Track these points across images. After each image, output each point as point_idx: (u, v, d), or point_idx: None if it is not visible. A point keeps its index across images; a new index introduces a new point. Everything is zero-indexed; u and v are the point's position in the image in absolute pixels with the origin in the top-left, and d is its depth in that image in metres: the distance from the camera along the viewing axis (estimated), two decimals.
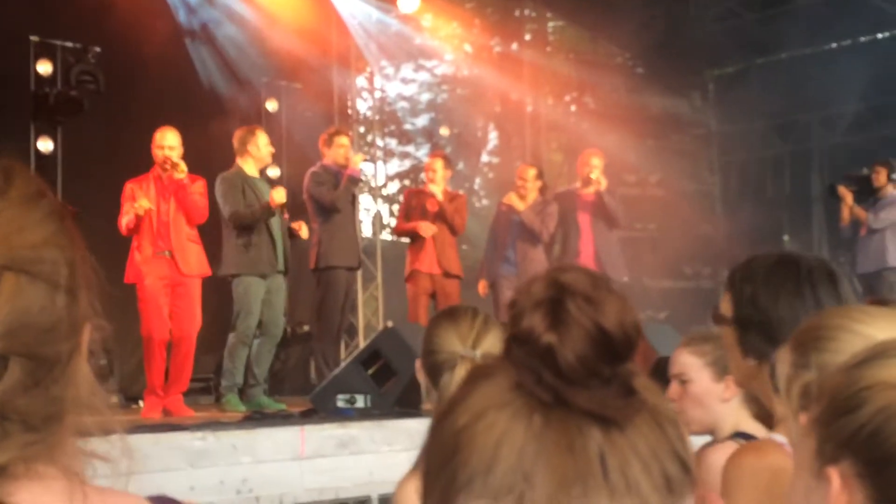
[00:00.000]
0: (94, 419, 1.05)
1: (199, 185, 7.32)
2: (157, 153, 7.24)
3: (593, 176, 9.13)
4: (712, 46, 13.15)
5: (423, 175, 9.26)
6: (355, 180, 8.38)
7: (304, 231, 7.88)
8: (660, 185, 13.39)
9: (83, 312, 1.02)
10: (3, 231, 0.96)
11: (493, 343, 2.47)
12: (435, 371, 2.47)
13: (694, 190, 13.62)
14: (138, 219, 7.01)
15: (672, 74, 13.37)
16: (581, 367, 0.73)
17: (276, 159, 10.70)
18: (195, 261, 7.21)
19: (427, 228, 8.75)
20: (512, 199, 9.18)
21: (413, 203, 8.98)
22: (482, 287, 9.19)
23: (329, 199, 8.17)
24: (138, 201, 7.00)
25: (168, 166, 7.13)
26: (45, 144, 9.07)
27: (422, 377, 2.56)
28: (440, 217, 8.88)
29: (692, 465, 0.77)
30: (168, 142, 7.25)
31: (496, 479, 0.74)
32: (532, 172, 9.36)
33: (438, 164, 9.05)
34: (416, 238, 8.90)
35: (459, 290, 8.99)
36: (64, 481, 0.99)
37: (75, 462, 1.02)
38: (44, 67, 9.26)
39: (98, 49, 9.40)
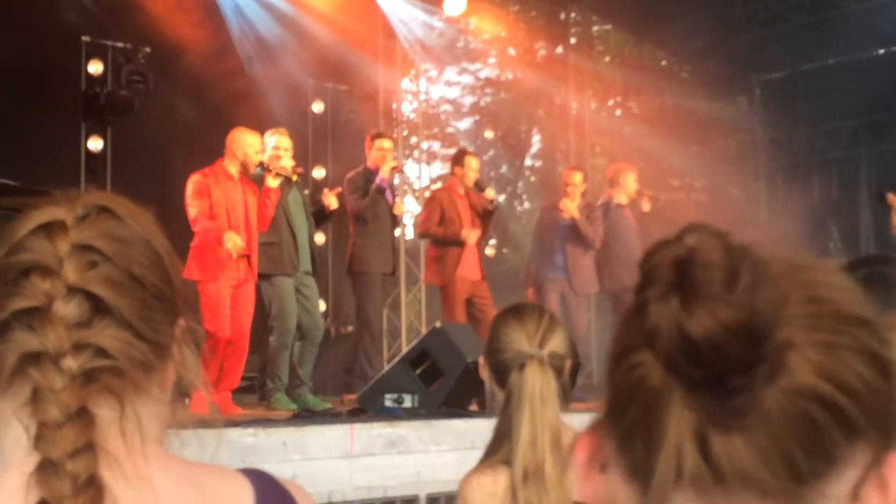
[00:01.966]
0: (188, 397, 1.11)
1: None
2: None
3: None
4: (759, 51, 13.06)
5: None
6: (382, 189, 8.36)
7: (332, 201, 7.89)
8: (704, 191, 13.31)
9: (178, 301, 1.12)
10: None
11: (559, 342, 2.46)
12: (500, 369, 2.46)
13: (739, 196, 13.53)
14: (214, 221, 6.99)
15: (718, 79, 13.29)
16: (673, 368, 0.69)
17: (321, 160, 10.79)
18: (257, 262, 7.29)
19: (472, 235, 8.70)
20: (568, 206, 9.16)
21: (444, 204, 8.86)
22: (531, 294, 9.14)
23: (356, 208, 8.23)
24: (231, 242, 6.95)
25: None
26: (95, 143, 9.17)
27: (485, 375, 2.55)
28: (481, 219, 8.87)
29: None
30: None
31: (622, 430, 0.71)
32: (579, 177, 9.37)
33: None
34: (445, 246, 8.81)
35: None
36: (139, 449, 1.03)
37: (158, 434, 1.07)
38: (95, 67, 9.37)
39: (148, 49, 9.50)
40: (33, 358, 1.01)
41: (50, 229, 1.06)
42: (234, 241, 6.95)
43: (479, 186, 8.79)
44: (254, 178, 7.28)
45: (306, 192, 7.89)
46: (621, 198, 9.44)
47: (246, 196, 7.16)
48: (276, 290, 7.45)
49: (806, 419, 0.68)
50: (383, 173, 8.29)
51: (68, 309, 1.03)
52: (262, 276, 7.43)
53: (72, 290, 1.04)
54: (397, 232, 11.67)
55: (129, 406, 1.04)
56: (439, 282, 8.85)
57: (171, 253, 1.13)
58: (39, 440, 0.98)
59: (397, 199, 8.81)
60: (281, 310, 7.43)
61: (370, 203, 8.23)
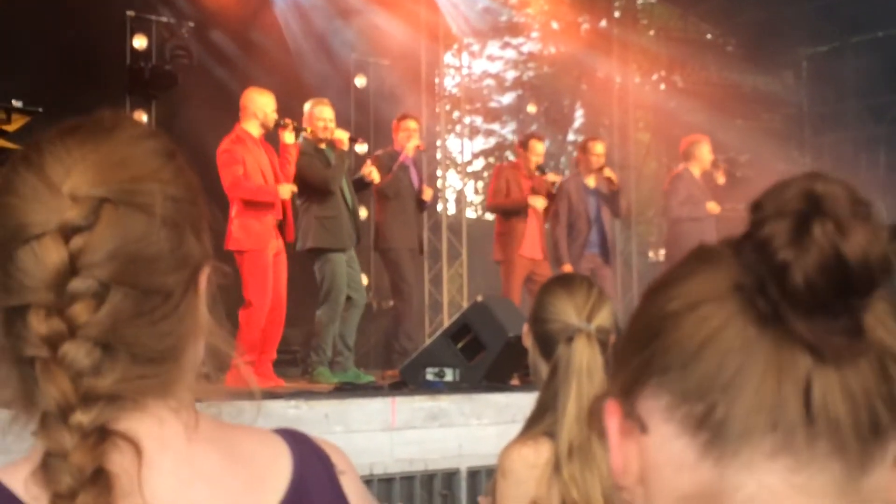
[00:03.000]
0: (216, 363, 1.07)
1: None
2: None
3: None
4: (806, 24, 12.86)
5: (507, 152, 9.18)
6: (405, 167, 8.47)
7: (374, 174, 7.95)
8: (749, 165, 13.17)
9: (195, 251, 1.04)
10: (106, 165, 1.00)
11: (606, 316, 2.44)
12: (546, 339, 2.44)
13: (784, 171, 13.35)
14: (261, 188, 7.01)
15: (764, 52, 13.12)
16: (809, 295, 0.69)
17: (364, 135, 10.78)
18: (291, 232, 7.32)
19: (538, 201, 8.74)
20: (610, 174, 9.15)
21: (510, 179, 8.93)
22: (568, 270, 9.05)
23: (380, 185, 8.29)
24: (287, 191, 7.05)
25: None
26: (139, 118, 9.24)
27: (529, 343, 2.53)
28: (547, 198, 8.93)
29: None
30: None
31: (692, 380, 0.71)
32: (601, 147, 9.33)
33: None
34: (512, 220, 8.84)
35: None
36: (174, 414, 1.01)
37: (190, 399, 1.03)
38: (139, 42, 9.43)
39: (191, 24, 9.54)
40: (41, 418, 0.95)
41: (47, 251, 0.97)
42: (289, 189, 7.05)
43: (542, 170, 8.86)
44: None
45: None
46: (695, 170, 9.34)
47: (270, 157, 7.18)
48: (331, 265, 7.47)
49: (886, 373, 0.70)
50: (407, 151, 8.36)
51: (77, 356, 0.95)
52: (318, 250, 7.46)
53: (79, 335, 0.96)
54: (439, 207, 11.71)
55: (154, 412, 1.01)
56: (502, 257, 8.93)
57: (188, 198, 1.05)
58: None
59: (427, 187, 8.83)
60: (334, 284, 7.46)
61: (392, 180, 8.29)
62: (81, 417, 0.94)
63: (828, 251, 0.68)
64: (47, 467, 0.93)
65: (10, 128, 6.05)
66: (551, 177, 8.94)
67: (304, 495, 1.05)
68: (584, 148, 9.39)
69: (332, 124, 7.53)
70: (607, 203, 9.20)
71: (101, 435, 0.95)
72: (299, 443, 1.09)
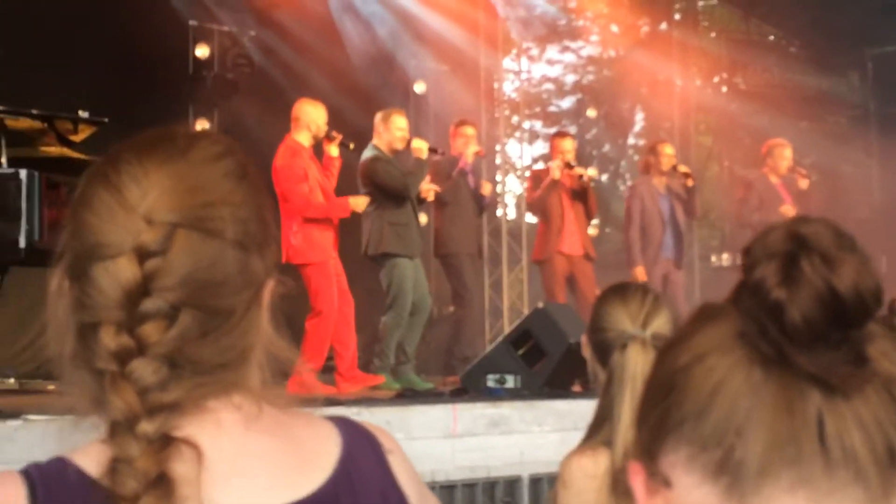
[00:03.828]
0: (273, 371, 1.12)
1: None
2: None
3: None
4: (872, 23, 12.63)
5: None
6: (465, 173, 8.46)
7: (430, 193, 7.95)
8: (814, 168, 12.97)
9: (260, 269, 1.08)
10: (180, 190, 1.04)
11: (662, 323, 2.43)
12: (602, 349, 2.45)
13: (850, 173, 13.16)
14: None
15: (828, 53, 12.92)
16: (807, 329, 0.71)
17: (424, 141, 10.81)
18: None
19: (556, 170, 8.68)
20: (685, 170, 9.11)
21: (544, 178, 8.89)
22: (641, 273, 8.95)
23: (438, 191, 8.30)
24: (360, 204, 7.17)
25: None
26: (202, 126, 9.35)
27: (587, 353, 2.54)
28: (580, 197, 8.85)
29: None
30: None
31: (707, 427, 0.72)
32: (671, 149, 9.28)
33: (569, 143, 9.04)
34: (550, 217, 8.80)
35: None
36: (237, 412, 1.06)
37: (252, 394, 1.08)
38: (201, 51, 9.55)
39: (253, 32, 9.64)
40: (110, 426, 1.00)
41: (122, 272, 1.01)
42: (364, 202, 7.18)
43: (570, 165, 8.78)
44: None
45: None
46: (772, 174, 9.26)
47: (318, 168, 7.25)
48: (399, 271, 7.50)
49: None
50: (467, 157, 8.37)
51: (144, 373, 1.00)
52: (388, 255, 7.50)
53: (148, 353, 1.00)
54: (499, 212, 11.70)
55: (214, 411, 1.05)
56: (540, 256, 8.90)
57: (256, 217, 1.09)
58: None
59: (485, 182, 8.84)
60: (401, 290, 7.49)
61: (451, 186, 8.29)
62: (147, 427, 0.99)
63: (819, 285, 0.71)
64: (114, 471, 0.97)
65: (77, 138, 6.15)
66: (578, 170, 8.83)
67: (353, 471, 1.10)
68: (653, 150, 9.34)
69: (406, 134, 7.61)
70: (681, 204, 9.15)
71: (165, 442, 0.99)
72: (348, 426, 1.15)
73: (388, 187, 7.47)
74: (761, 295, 0.72)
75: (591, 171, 8.96)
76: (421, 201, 8.02)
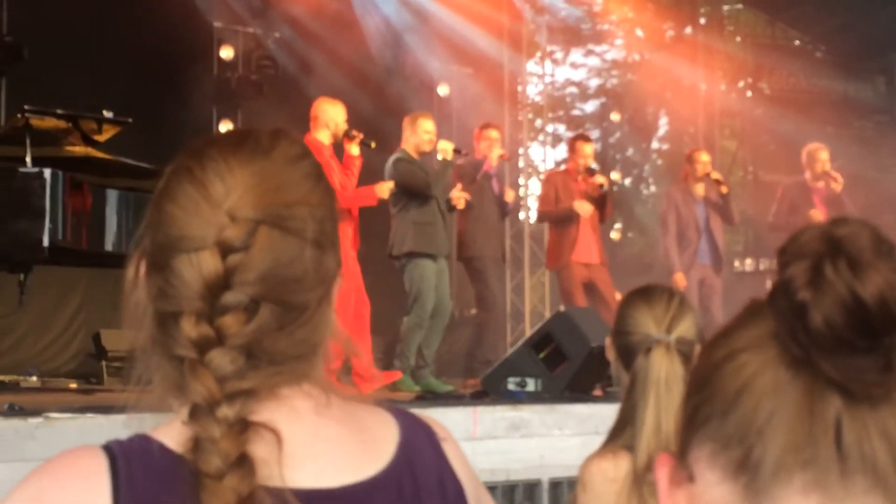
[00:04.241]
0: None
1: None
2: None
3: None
4: None
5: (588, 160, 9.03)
6: (489, 176, 8.43)
7: (461, 201, 7.93)
8: (840, 174, 12.89)
9: (332, 267, 1.13)
10: (263, 189, 1.09)
11: (688, 327, 2.41)
12: (626, 352, 2.43)
13: (877, 179, 13.06)
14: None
15: (855, 58, 12.85)
16: (830, 334, 0.69)
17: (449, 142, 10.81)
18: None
19: (584, 207, 8.62)
20: (718, 176, 9.10)
21: (559, 185, 8.84)
22: (681, 279, 8.92)
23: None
24: (385, 190, 7.20)
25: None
26: (226, 127, 9.39)
27: (611, 356, 2.52)
28: (596, 202, 8.78)
29: None
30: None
31: (730, 426, 0.72)
32: (707, 156, 9.29)
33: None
34: (565, 225, 8.74)
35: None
36: (309, 400, 1.11)
37: (322, 383, 1.13)
38: (226, 52, 9.59)
39: (277, 34, 9.67)
40: (191, 409, 1.04)
41: (205, 265, 1.05)
42: (388, 188, 7.24)
43: (590, 172, 8.72)
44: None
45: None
46: (810, 180, 9.28)
47: (338, 167, 7.26)
48: (420, 271, 7.52)
49: None
50: (491, 160, 8.36)
51: (222, 362, 1.04)
52: (411, 254, 7.52)
53: (227, 344, 1.04)
54: (522, 216, 11.69)
55: (288, 398, 1.09)
56: (555, 265, 8.86)
57: (330, 216, 1.14)
58: (204, 492, 1.01)
59: (508, 188, 8.82)
60: (421, 291, 7.51)
61: (475, 189, 8.28)
62: (227, 411, 1.03)
63: (842, 291, 0.69)
64: (199, 449, 1.01)
65: (101, 138, 6.18)
66: (599, 178, 8.77)
67: (412, 455, 1.16)
68: (689, 158, 9.38)
69: (433, 136, 7.65)
70: (717, 211, 9.15)
71: (244, 425, 1.03)
72: (404, 415, 1.21)
73: (411, 186, 7.50)
74: (789, 295, 0.71)
75: (600, 178, 8.82)
76: (451, 208, 8.00)
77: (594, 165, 8.84)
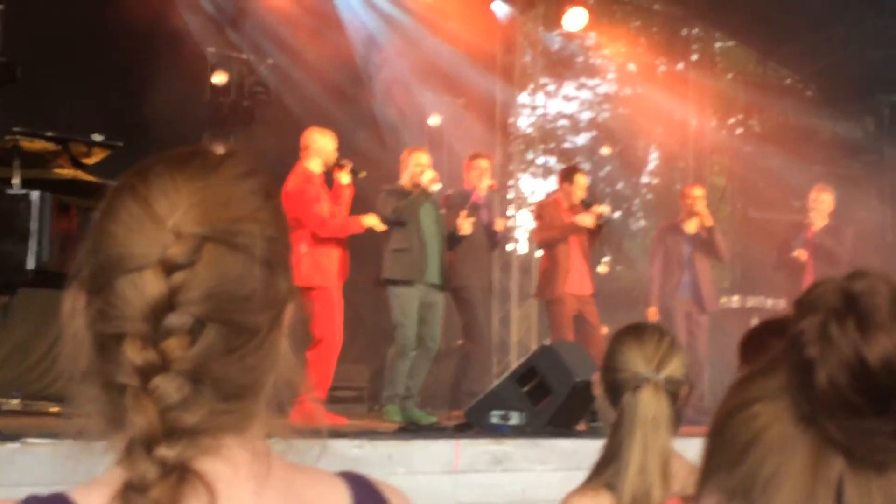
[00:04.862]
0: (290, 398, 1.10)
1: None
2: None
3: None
4: (888, 70, 12.64)
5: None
6: (476, 207, 8.45)
7: (466, 226, 7.94)
8: (829, 213, 12.94)
9: (284, 290, 1.07)
10: (209, 204, 1.03)
11: (676, 367, 2.41)
12: (614, 389, 2.42)
13: (864, 218, 13.11)
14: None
15: (844, 98, 12.92)
16: (834, 395, 0.67)
17: (438, 174, 10.82)
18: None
19: (587, 218, 8.65)
20: (702, 209, 9.13)
21: (552, 214, 8.88)
22: (654, 313, 9.01)
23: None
24: (372, 221, 7.26)
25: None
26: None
27: (598, 391, 2.51)
28: (588, 234, 8.82)
29: None
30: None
31: (737, 478, 0.71)
32: (701, 191, 9.37)
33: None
34: (557, 255, 8.76)
35: None
36: (249, 455, 1.03)
37: (264, 438, 1.06)
38: (219, 78, 9.60)
39: (270, 61, 9.69)
40: (127, 446, 0.97)
41: (148, 284, 0.98)
42: (374, 219, 7.28)
43: (587, 203, 8.77)
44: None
45: (442, 211, 7.98)
46: (817, 221, 9.34)
47: (328, 196, 7.30)
48: (399, 298, 7.56)
49: None
50: (480, 190, 8.37)
51: (168, 390, 0.97)
52: (388, 282, 7.58)
53: (172, 369, 0.98)
54: (510, 247, 11.68)
55: (229, 455, 1.02)
56: (548, 295, 8.85)
57: (281, 238, 1.08)
58: None
59: (499, 218, 8.85)
60: (402, 318, 7.52)
61: (465, 219, 8.29)
62: (166, 452, 0.95)
63: (847, 353, 0.67)
64: (126, 499, 0.94)
65: (90, 161, 6.17)
66: (597, 209, 8.82)
67: None
68: (682, 193, 9.54)
69: (424, 168, 7.71)
70: (704, 247, 9.19)
71: (182, 473, 0.96)
72: (360, 486, 1.11)
73: (384, 215, 7.57)
74: (797, 350, 0.70)
75: (599, 208, 8.89)
76: (458, 239, 8.02)
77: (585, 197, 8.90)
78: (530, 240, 12.44)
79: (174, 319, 0.98)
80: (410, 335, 7.53)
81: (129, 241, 1.01)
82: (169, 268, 0.99)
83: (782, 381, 0.71)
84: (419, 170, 7.67)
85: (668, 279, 9.15)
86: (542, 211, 9.07)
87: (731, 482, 0.71)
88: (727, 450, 0.72)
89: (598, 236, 8.96)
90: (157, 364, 0.97)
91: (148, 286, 0.98)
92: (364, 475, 1.14)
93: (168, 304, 0.98)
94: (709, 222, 9.18)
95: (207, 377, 0.99)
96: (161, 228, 1.00)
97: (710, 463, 0.73)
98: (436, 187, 8.23)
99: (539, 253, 12.16)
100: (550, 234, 8.84)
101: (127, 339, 0.98)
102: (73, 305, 1.03)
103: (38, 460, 4.12)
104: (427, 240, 7.69)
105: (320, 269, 7.05)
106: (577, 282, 8.72)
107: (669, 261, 9.18)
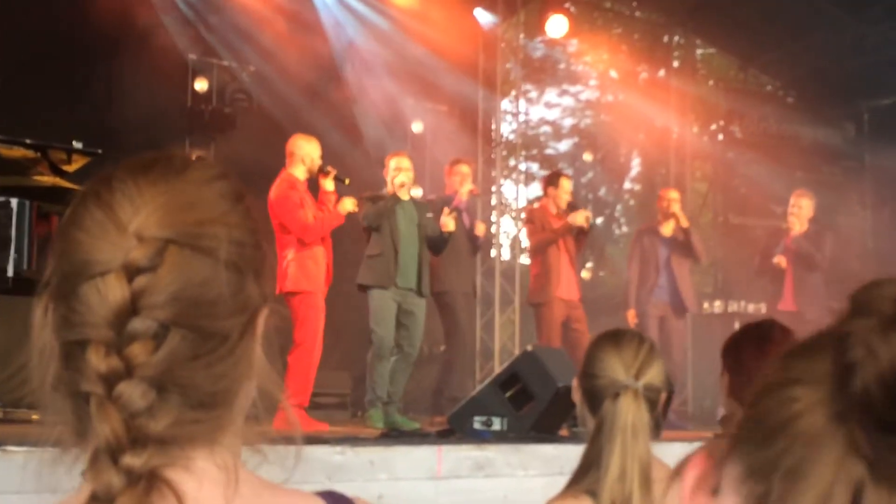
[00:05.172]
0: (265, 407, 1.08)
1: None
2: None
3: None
4: (869, 77, 12.73)
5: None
6: (458, 211, 8.46)
7: (449, 223, 7.93)
8: (809, 219, 13.00)
9: (255, 294, 1.04)
10: (173, 207, 1.01)
11: (656, 374, 2.41)
12: (593, 396, 2.42)
13: (844, 224, 13.18)
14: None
15: (825, 105, 12.99)
16: (867, 404, 0.66)
17: (419, 180, 10.81)
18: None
19: (580, 216, 8.69)
20: (677, 211, 9.15)
21: (542, 219, 8.92)
22: (632, 316, 9.08)
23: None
24: (349, 204, 7.24)
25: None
26: None
27: (577, 398, 2.51)
28: (575, 239, 8.86)
29: None
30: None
31: (761, 457, 0.68)
32: (676, 194, 9.44)
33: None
34: (548, 260, 8.80)
35: None
36: (218, 471, 1.01)
37: (236, 451, 1.03)
38: (200, 85, 9.59)
39: (252, 68, 9.68)
40: (91, 456, 0.94)
41: (110, 289, 0.97)
42: (352, 202, 7.26)
43: (572, 207, 8.81)
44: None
45: (429, 215, 7.93)
46: (796, 226, 9.38)
47: (313, 202, 7.30)
48: (373, 302, 7.57)
49: None
50: (461, 195, 8.39)
51: (132, 396, 0.95)
52: (362, 288, 7.58)
53: (136, 375, 0.96)
54: (493, 253, 11.69)
55: (198, 469, 1.00)
56: (539, 299, 8.88)
57: (251, 241, 1.05)
58: None
59: (479, 222, 8.85)
60: (377, 322, 7.52)
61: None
62: (132, 460, 0.93)
63: (886, 367, 0.65)
64: None
65: (71, 168, 6.15)
66: (585, 212, 8.88)
67: None
68: (658, 196, 9.62)
69: (398, 173, 7.66)
70: (683, 249, 9.23)
71: (150, 481, 0.94)
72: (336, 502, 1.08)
73: (361, 221, 7.59)
74: (843, 348, 0.67)
75: (585, 212, 8.94)
76: (443, 242, 7.99)
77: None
78: (513, 246, 12.48)
79: (137, 324, 0.96)
80: (386, 338, 7.52)
81: (92, 247, 0.99)
82: (131, 272, 0.97)
83: (827, 367, 0.69)
84: (394, 174, 7.66)
85: (644, 282, 9.20)
86: (532, 216, 9.12)
87: (756, 460, 0.69)
88: (758, 425, 0.70)
89: (585, 241, 9.02)
90: (120, 371, 0.95)
91: (110, 291, 0.97)
92: (341, 493, 1.11)
93: (131, 308, 0.96)
94: (685, 223, 9.24)
95: (174, 384, 0.97)
96: (124, 233, 0.99)
97: (743, 429, 0.71)
98: (415, 192, 8.24)
99: (523, 259, 12.22)
100: (544, 236, 8.87)
101: (90, 345, 0.96)
102: (42, 313, 1.02)
103: (17, 469, 4.09)
104: (402, 245, 7.67)
105: (307, 273, 7.07)
106: (566, 286, 8.78)
107: (646, 263, 9.24)
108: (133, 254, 0.97)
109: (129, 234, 0.99)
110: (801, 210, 9.40)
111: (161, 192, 1.01)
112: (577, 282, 8.98)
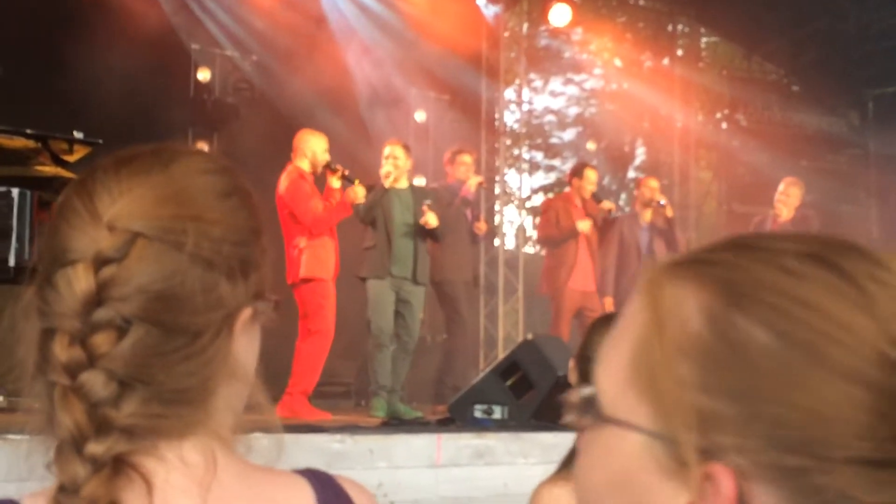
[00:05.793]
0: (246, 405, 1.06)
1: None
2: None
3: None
4: (873, 64, 12.69)
5: (567, 188, 9.22)
6: (467, 202, 8.45)
7: (431, 219, 7.82)
8: (813, 206, 12.96)
9: (234, 293, 1.02)
10: (150, 200, 1.00)
11: None
12: (589, 378, 2.43)
13: (849, 212, 13.16)
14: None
15: (829, 93, 12.96)
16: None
17: (422, 169, 10.83)
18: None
19: (585, 224, 8.73)
20: (660, 197, 9.18)
21: (560, 210, 8.95)
22: (609, 303, 9.05)
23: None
24: (359, 191, 7.27)
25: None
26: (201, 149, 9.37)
27: (574, 379, 2.53)
28: (599, 228, 8.94)
29: None
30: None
31: (767, 426, 0.63)
32: (655, 182, 9.50)
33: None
34: (562, 252, 8.83)
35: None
36: (195, 459, 1.00)
37: (215, 444, 1.02)
38: (203, 75, 9.59)
39: (255, 57, 9.68)
40: (56, 448, 0.94)
41: (78, 279, 0.97)
42: (360, 191, 7.28)
43: (597, 198, 8.90)
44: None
45: (428, 202, 7.87)
46: (783, 212, 9.38)
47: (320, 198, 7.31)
48: (370, 293, 7.58)
49: None
50: (469, 186, 8.37)
51: (94, 386, 0.95)
52: (363, 280, 7.60)
53: (99, 365, 0.95)
54: (496, 242, 11.70)
55: (166, 460, 1.00)
56: (550, 291, 8.91)
57: (242, 239, 1.04)
58: None
59: (479, 223, 8.80)
60: (373, 312, 7.54)
61: (451, 214, 8.27)
62: (95, 448, 0.93)
63: None
64: (59, 503, 0.91)
65: (72, 158, 6.16)
66: (606, 204, 8.96)
67: None
68: (637, 183, 9.65)
69: (388, 160, 7.62)
70: (662, 237, 9.23)
71: (116, 467, 0.94)
72: (322, 483, 1.08)
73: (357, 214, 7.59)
74: (893, 342, 0.62)
75: (608, 203, 9.07)
76: (428, 232, 7.93)
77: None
78: (517, 235, 12.48)
79: (101, 315, 0.96)
80: (385, 328, 7.52)
81: (69, 236, 0.99)
82: (99, 262, 0.97)
83: (878, 335, 0.64)
84: (385, 163, 7.63)
85: (626, 269, 9.18)
86: (548, 208, 9.16)
87: (762, 426, 0.64)
88: (776, 389, 0.64)
89: (605, 230, 9.08)
90: (82, 360, 0.95)
91: (78, 280, 0.97)
92: (323, 471, 1.10)
93: (96, 298, 0.96)
94: (670, 213, 9.27)
95: (138, 377, 0.97)
96: (98, 223, 0.99)
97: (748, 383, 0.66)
98: (418, 181, 8.23)
99: (527, 248, 12.24)
100: (550, 232, 8.95)
101: (57, 334, 0.96)
102: (28, 301, 1.02)
103: (19, 456, 4.12)
104: (396, 234, 7.66)
105: (320, 261, 7.11)
106: (581, 277, 8.83)
107: (626, 250, 9.23)
108: (102, 244, 0.97)
109: (103, 225, 0.99)
110: (788, 198, 9.41)
111: (140, 183, 1.01)
112: (594, 274, 8.99)
